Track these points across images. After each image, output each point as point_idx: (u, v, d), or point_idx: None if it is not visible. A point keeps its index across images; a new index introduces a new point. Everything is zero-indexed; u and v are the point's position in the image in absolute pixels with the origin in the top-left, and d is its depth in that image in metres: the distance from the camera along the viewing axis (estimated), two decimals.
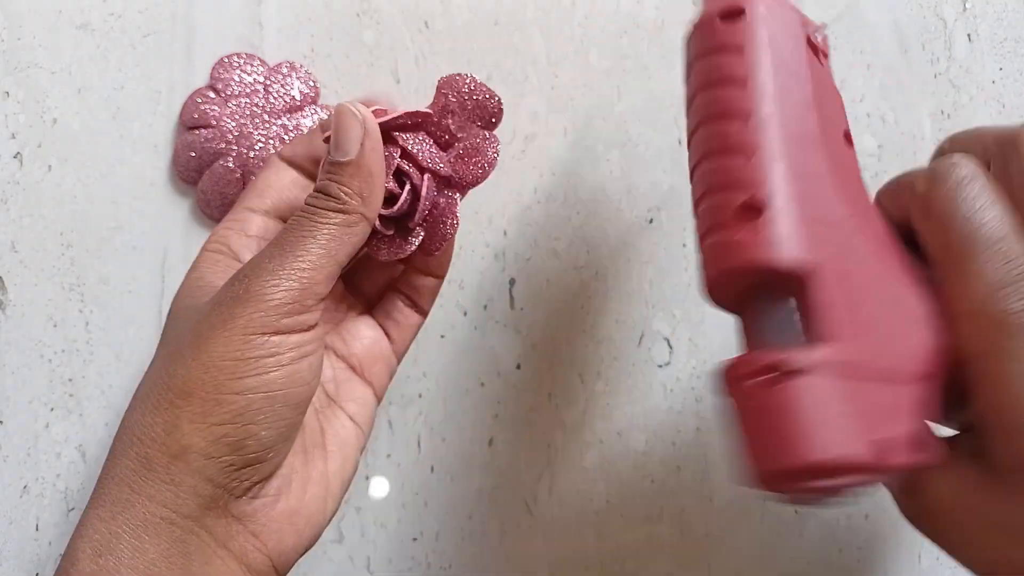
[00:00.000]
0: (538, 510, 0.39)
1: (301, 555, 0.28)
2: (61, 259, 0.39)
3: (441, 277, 0.32)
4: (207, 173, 0.38)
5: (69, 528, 0.37)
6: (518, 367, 0.39)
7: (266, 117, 0.38)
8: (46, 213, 0.39)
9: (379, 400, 0.32)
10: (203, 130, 0.38)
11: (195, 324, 0.25)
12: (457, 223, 0.29)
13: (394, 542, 0.38)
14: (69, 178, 0.39)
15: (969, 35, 0.42)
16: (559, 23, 0.41)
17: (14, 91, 0.39)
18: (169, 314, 0.28)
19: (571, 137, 0.40)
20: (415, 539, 0.39)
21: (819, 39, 0.29)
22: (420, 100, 0.40)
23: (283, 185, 0.30)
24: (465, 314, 0.39)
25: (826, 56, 0.30)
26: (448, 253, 0.32)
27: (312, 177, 0.31)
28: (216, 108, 0.38)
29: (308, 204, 0.27)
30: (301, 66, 0.39)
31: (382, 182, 0.28)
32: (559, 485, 0.39)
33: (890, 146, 0.41)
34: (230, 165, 0.38)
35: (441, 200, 0.29)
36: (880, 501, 0.42)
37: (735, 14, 0.27)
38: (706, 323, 0.41)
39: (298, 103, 0.39)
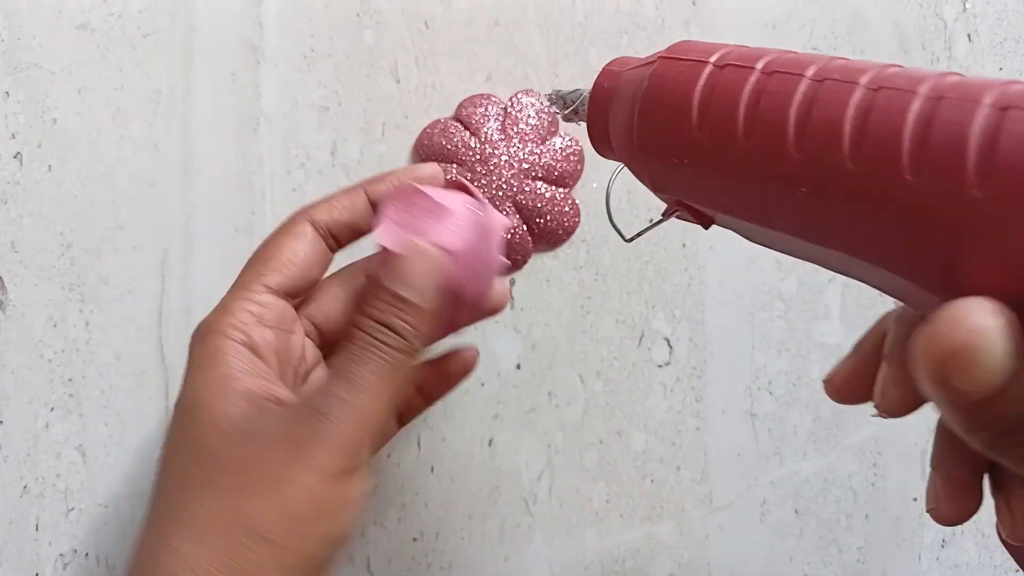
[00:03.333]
0: (538, 510, 0.39)
1: None
2: (61, 259, 0.39)
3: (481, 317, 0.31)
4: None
5: (69, 528, 0.37)
6: (518, 367, 0.39)
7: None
8: (46, 213, 0.39)
9: None
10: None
11: (264, 458, 0.24)
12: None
13: (394, 542, 0.38)
14: (69, 178, 0.39)
15: (969, 35, 0.42)
16: (559, 23, 0.41)
17: (14, 91, 0.39)
18: (194, 415, 0.26)
19: None
20: (415, 539, 0.39)
21: None
22: (420, 100, 0.40)
23: (306, 259, 0.29)
24: None
25: None
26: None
27: (335, 244, 0.30)
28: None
29: (371, 337, 0.26)
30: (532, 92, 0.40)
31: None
32: (559, 485, 0.39)
33: None
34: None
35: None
36: (880, 501, 0.42)
37: None
38: (706, 323, 0.41)
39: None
